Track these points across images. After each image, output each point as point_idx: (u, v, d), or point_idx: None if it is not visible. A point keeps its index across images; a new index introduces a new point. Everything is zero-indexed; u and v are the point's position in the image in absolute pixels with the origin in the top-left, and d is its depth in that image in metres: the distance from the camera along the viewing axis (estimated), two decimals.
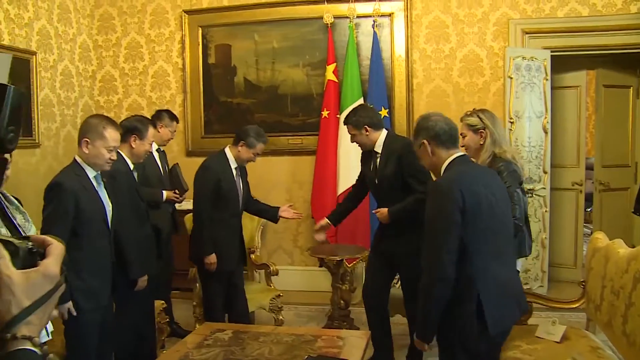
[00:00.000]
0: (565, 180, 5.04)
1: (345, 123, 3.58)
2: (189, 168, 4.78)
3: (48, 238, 0.93)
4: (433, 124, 2.40)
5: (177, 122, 4.46)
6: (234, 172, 3.65)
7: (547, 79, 4.74)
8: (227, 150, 3.68)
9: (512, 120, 4.81)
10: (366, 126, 3.44)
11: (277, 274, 4.21)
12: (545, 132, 4.80)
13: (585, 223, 5.41)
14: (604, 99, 5.07)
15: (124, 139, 3.08)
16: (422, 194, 3.04)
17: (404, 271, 3.50)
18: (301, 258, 5.68)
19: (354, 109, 3.69)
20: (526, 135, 4.81)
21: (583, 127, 5.04)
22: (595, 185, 5.18)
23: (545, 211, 4.69)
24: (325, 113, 5.23)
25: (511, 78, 4.73)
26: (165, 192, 4.07)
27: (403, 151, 3.33)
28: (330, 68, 5.23)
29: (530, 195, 4.74)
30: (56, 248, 0.92)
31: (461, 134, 2.91)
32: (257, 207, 3.95)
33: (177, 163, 4.40)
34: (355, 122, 3.46)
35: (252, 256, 4.39)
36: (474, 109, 3.14)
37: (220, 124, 5.71)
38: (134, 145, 3.23)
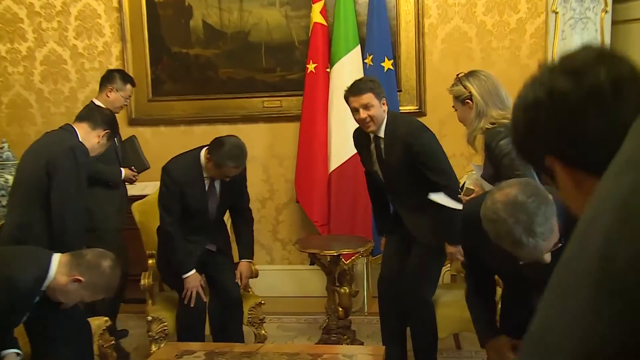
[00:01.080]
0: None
1: (362, 92, 3.50)
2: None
3: None
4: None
5: (133, 86, 4.55)
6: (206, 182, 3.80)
7: (606, 11, 4.68)
8: (202, 154, 3.79)
9: None
10: (384, 98, 3.54)
11: (256, 276, 4.16)
12: None
13: None
14: None
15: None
16: (449, 190, 3.34)
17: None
18: (283, 254, 5.67)
19: (364, 77, 3.79)
20: None
21: None
22: None
23: None
24: (311, 67, 5.17)
25: (556, 12, 4.68)
26: (123, 170, 4.26)
27: (410, 139, 3.47)
28: (317, 7, 5.15)
29: None
30: None
31: (453, 108, 3.22)
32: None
33: (134, 136, 4.54)
34: (380, 90, 3.54)
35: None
36: (458, 75, 3.26)
37: (173, 83, 5.60)
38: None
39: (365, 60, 5.07)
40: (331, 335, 4.30)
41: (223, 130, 5.49)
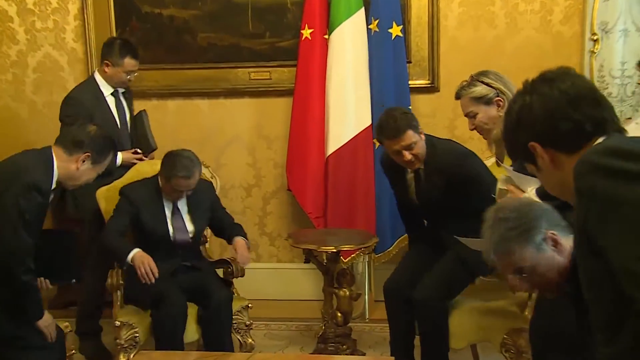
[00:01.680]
0: None
1: (403, 131, 3.58)
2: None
3: None
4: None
5: (135, 59, 4.54)
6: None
7: None
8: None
9: (595, 38, 4.76)
10: (419, 127, 3.68)
11: (242, 275, 4.11)
12: None
13: None
14: None
15: None
16: None
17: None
18: (270, 251, 5.64)
19: (398, 112, 3.76)
20: (617, 61, 4.76)
21: None
22: None
23: None
24: (306, 32, 5.10)
25: None
26: (120, 154, 4.26)
27: (455, 169, 3.62)
28: None
29: None
30: None
31: (467, 115, 3.28)
32: None
33: (144, 110, 4.59)
34: (415, 123, 3.66)
35: (201, 248, 4.32)
36: (471, 77, 3.33)
37: (144, 49, 5.43)
38: None
39: (370, 26, 5.01)
40: (328, 345, 4.28)
41: (202, 105, 5.48)
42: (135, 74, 4.61)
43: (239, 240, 4.04)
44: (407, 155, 3.59)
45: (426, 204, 3.79)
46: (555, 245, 2.19)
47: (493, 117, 3.18)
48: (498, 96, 3.19)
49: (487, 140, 3.32)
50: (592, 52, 4.76)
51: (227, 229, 4.18)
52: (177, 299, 3.68)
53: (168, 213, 3.97)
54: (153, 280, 3.65)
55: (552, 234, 2.18)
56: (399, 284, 3.80)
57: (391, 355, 3.77)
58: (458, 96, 3.35)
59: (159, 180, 3.95)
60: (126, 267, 3.76)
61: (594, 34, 4.78)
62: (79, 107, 4.35)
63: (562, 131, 1.69)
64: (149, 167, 4.28)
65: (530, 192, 2.89)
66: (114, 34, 5.45)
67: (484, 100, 3.20)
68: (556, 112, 1.70)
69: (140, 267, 3.66)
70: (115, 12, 5.47)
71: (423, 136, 3.68)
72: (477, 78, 3.27)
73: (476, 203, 3.33)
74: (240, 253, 3.97)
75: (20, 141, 5.64)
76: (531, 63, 4.95)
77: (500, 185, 3.24)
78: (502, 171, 3.24)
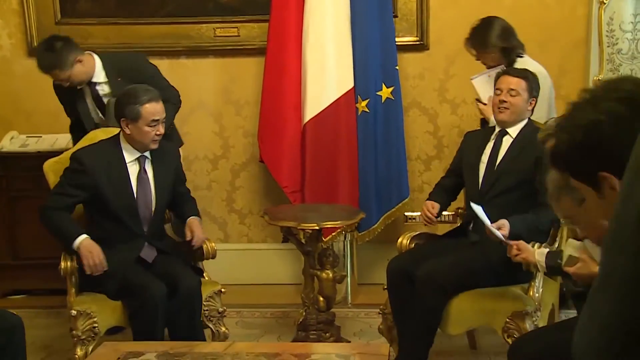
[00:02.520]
0: None
1: (518, 75, 3.91)
2: (35, 78, 4.59)
3: None
4: None
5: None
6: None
7: None
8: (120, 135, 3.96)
9: None
10: (535, 99, 3.90)
11: (214, 257, 4.11)
12: None
13: None
14: None
15: None
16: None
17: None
18: (240, 230, 5.68)
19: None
20: (628, 13, 4.84)
21: None
22: None
23: None
24: None
25: None
26: None
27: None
28: None
29: None
30: None
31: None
32: None
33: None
34: (535, 86, 3.88)
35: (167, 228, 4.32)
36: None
37: (94, 1, 5.44)
38: None
39: None
40: (309, 333, 4.30)
41: (161, 65, 5.37)
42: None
43: (191, 219, 4.04)
44: (506, 101, 3.83)
45: (505, 173, 3.87)
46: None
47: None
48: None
49: None
50: (602, 2, 4.80)
51: (184, 203, 4.18)
52: (156, 288, 3.63)
53: (133, 179, 3.90)
54: (99, 273, 3.67)
55: None
56: (405, 263, 3.82)
57: (399, 344, 3.81)
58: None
59: (122, 132, 3.87)
60: (72, 252, 3.73)
61: None
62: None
63: None
64: (103, 135, 4.22)
65: None
66: None
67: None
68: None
69: (86, 258, 3.65)
70: None
71: (532, 104, 3.88)
72: None
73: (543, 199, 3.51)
74: (197, 234, 3.97)
75: None
76: (532, 17, 5.02)
77: (570, 252, 3.24)
78: None
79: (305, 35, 5.01)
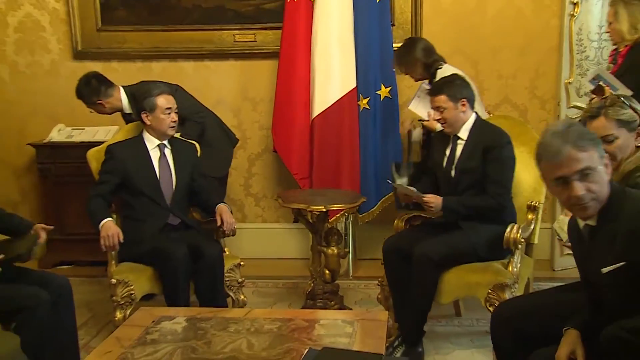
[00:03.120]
0: None
1: (435, 93, 3.84)
2: (79, 78, 4.63)
3: None
4: None
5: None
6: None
7: None
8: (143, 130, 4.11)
9: (575, 1, 4.81)
10: (465, 100, 3.80)
11: (233, 234, 4.14)
12: None
13: None
14: None
15: None
16: (495, 201, 3.72)
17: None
18: (256, 211, 5.70)
19: (447, 77, 3.93)
20: (595, 24, 4.83)
21: None
22: None
23: None
24: None
25: None
26: None
27: (495, 144, 3.74)
28: None
29: None
30: None
31: (607, 137, 2.76)
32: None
33: None
34: (454, 92, 3.79)
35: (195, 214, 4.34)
36: (615, 96, 2.96)
37: (127, 10, 5.51)
38: None
39: None
40: (317, 301, 4.36)
41: (187, 67, 5.47)
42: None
43: (221, 206, 4.07)
44: (435, 114, 3.84)
45: (461, 174, 3.84)
46: (606, 167, 2.27)
47: (631, 143, 2.81)
48: None
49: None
50: (572, 15, 4.80)
51: (209, 195, 4.23)
52: (179, 252, 3.70)
53: (155, 162, 4.02)
54: (113, 251, 3.78)
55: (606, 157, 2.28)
56: (399, 242, 3.85)
57: (395, 314, 3.88)
58: (597, 114, 2.82)
59: (144, 125, 4.03)
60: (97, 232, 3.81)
61: None
62: None
63: None
64: (136, 128, 4.31)
65: None
66: None
67: (629, 127, 2.79)
68: None
69: (103, 238, 3.72)
70: None
71: (463, 108, 3.79)
72: (625, 100, 2.85)
73: (491, 190, 3.71)
74: (226, 219, 4.00)
75: (1, 101, 5.70)
76: (512, 26, 5.05)
77: (559, 227, 3.22)
78: None
79: (313, 41, 5.02)
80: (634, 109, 2.79)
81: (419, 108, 4.48)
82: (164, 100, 3.97)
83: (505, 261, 3.76)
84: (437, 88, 3.87)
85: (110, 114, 4.67)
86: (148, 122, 4.00)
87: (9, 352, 2.62)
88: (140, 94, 4.07)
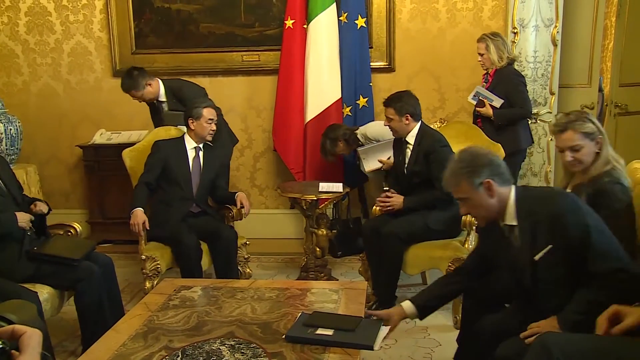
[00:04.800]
0: (574, 102, 5.04)
1: (386, 105, 3.82)
2: (117, 92, 4.55)
3: (18, 328, 0.94)
4: (496, 160, 2.35)
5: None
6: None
7: None
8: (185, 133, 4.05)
9: (515, 31, 4.76)
10: (408, 115, 3.75)
11: (241, 218, 4.07)
12: (555, 45, 4.75)
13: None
14: (629, 2, 4.94)
15: None
16: (443, 195, 3.40)
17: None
18: (260, 200, 5.61)
19: (398, 93, 3.86)
20: (531, 49, 4.77)
21: (599, 38, 5.01)
22: (609, 109, 5.20)
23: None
24: (289, 22, 5.01)
25: None
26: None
27: (432, 149, 3.68)
28: None
29: (534, 121, 4.76)
30: (30, 338, 0.92)
31: (570, 148, 2.72)
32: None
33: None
34: (400, 108, 3.75)
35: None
36: (582, 112, 2.88)
37: (156, 36, 5.40)
38: None
39: (340, 18, 4.93)
40: (309, 273, 4.32)
41: (204, 82, 5.35)
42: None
43: (241, 194, 4.03)
44: (386, 121, 3.84)
45: (411, 174, 3.79)
46: (490, 190, 2.30)
47: (592, 152, 2.72)
48: (600, 136, 2.73)
49: (576, 172, 2.81)
50: (513, 42, 4.76)
51: (225, 191, 4.22)
52: (189, 240, 3.66)
53: (190, 160, 3.95)
54: (136, 233, 3.71)
55: (488, 181, 2.29)
56: (376, 224, 3.80)
57: (373, 284, 3.82)
58: (565, 128, 2.74)
59: (188, 128, 3.94)
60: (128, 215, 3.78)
61: (514, 27, 4.77)
62: None
63: None
64: (164, 133, 4.22)
65: None
66: (132, 25, 5.37)
67: (591, 137, 2.72)
68: None
69: (132, 224, 3.70)
70: (133, 6, 5.36)
71: (407, 121, 3.74)
72: (586, 116, 2.78)
73: (437, 184, 3.56)
74: (245, 205, 3.98)
75: (57, 112, 5.66)
76: (466, 49, 4.97)
77: None
78: None
79: (306, 61, 4.95)
80: (593, 123, 2.75)
81: (371, 165, 4.37)
82: (208, 112, 3.91)
83: (462, 239, 3.72)
84: (388, 102, 3.81)
85: (148, 101, 4.51)
86: (192, 127, 3.93)
87: (30, 318, 2.56)
88: (191, 104, 4.00)
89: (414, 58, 5.15)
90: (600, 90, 5.16)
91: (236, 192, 4.06)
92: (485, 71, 4.47)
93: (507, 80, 4.33)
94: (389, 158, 4.15)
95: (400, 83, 5.16)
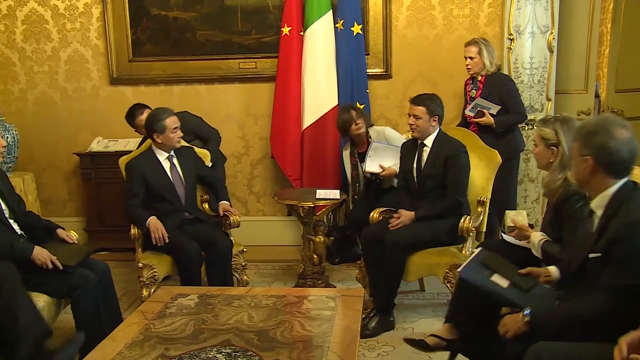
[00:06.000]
0: (570, 108, 5.07)
1: (416, 103, 3.77)
2: (114, 100, 4.57)
3: None
4: (614, 149, 2.17)
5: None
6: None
7: None
8: (152, 144, 3.97)
9: (511, 37, 4.78)
10: (437, 117, 3.78)
11: (238, 226, 4.06)
12: (551, 51, 4.78)
13: None
14: (624, 8, 5.02)
15: None
16: (456, 201, 3.69)
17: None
18: (257, 207, 5.61)
19: (429, 94, 3.84)
20: (527, 55, 4.79)
21: (595, 44, 5.04)
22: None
23: None
24: (285, 30, 5.03)
25: None
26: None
27: (453, 153, 3.71)
28: None
29: (530, 127, 4.78)
30: None
31: (534, 142, 2.93)
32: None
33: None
34: (432, 108, 3.75)
35: (205, 206, 4.23)
36: (554, 116, 2.96)
37: (153, 44, 5.41)
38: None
39: (337, 25, 4.95)
40: (307, 280, 4.32)
41: (201, 89, 5.39)
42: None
43: (222, 203, 4.07)
44: (412, 120, 3.77)
45: (426, 177, 3.79)
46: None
47: (546, 158, 2.84)
48: (556, 146, 2.80)
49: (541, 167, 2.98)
50: (509, 48, 4.80)
51: (217, 187, 4.20)
52: (191, 246, 3.64)
53: (167, 170, 3.90)
54: (164, 243, 3.67)
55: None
56: (375, 231, 3.78)
57: (370, 290, 3.81)
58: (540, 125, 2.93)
59: (154, 142, 3.89)
60: (146, 230, 3.72)
61: (511, 34, 4.80)
62: None
63: None
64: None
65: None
66: (129, 32, 5.39)
67: (546, 142, 2.82)
68: None
69: (154, 232, 3.67)
70: (130, 14, 5.37)
71: (433, 122, 3.75)
72: (553, 120, 2.87)
73: (451, 192, 3.69)
74: (230, 212, 4.02)
75: (54, 120, 5.66)
76: (463, 55, 4.96)
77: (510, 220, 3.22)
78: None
79: (303, 68, 4.97)
80: (556, 132, 2.81)
81: (372, 166, 4.31)
82: (171, 122, 3.85)
83: (460, 246, 3.72)
84: (419, 100, 3.78)
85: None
86: (159, 141, 3.87)
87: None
88: (152, 119, 3.89)
89: (411, 65, 5.17)
90: (597, 96, 5.18)
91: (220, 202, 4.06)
92: (471, 76, 4.49)
93: (500, 85, 4.38)
94: (390, 167, 4.18)
95: (397, 90, 5.18)
